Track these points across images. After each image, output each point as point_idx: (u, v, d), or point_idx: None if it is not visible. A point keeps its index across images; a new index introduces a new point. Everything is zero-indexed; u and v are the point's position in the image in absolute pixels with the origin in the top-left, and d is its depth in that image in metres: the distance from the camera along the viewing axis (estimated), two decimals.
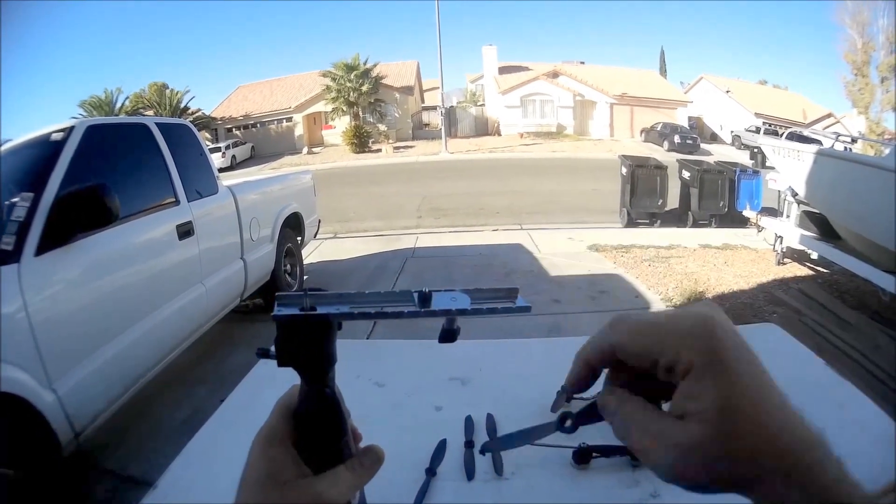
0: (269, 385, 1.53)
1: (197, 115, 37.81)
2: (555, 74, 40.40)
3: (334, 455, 0.58)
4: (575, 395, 1.47)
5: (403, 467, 1.20)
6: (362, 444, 0.64)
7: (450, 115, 36.78)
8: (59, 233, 2.97)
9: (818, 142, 8.38)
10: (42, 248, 2.86)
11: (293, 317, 0.55)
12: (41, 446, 2.69)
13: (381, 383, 1.56)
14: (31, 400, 2.58)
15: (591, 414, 0.55)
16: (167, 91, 37.64)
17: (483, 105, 43.89)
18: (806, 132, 10.55)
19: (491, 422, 1.37)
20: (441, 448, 1.28)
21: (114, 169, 3.87)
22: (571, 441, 1.23)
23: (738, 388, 0.41)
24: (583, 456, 1.21)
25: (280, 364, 0.56)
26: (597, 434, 1.29)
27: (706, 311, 0.45)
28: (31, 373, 2.63)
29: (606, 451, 1.23)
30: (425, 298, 0.57)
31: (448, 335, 0.61)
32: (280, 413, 0.59)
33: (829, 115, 37.55)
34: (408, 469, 1.20)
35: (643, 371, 0.46)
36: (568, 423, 0.57)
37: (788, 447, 0.40)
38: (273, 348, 0.56)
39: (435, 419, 1.41)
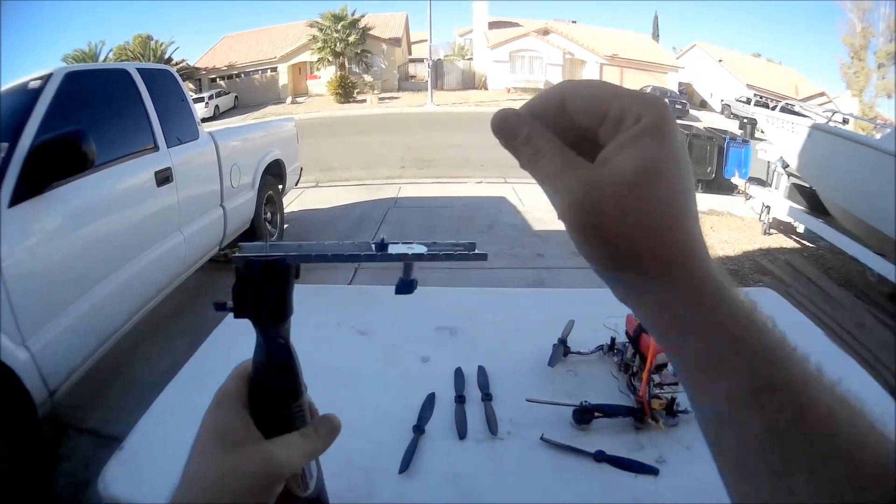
0: (236, 341, 1.43)
1: (181, 65, 37.04)
2: (545, 32, 40.04)
3: (287, 421, 0.56)
4: (572, 350, 1.38)
5: (389, 424, 1.11)
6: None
7: (437, 68, 36.50)
8: (34, 182, 2.84)
9: (808, 119, 8.34)
10: (16, 199, 2.73)
11: (251, 259, 0.54)
12: (14, 406, 2.58)
13: (365, 332, 1.46)
14: (3, 359, 2.47)
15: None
16: (151, 43, 36.86)
17: (471, 59, 43.36)
18: (797, 107, 10.51)
19: (483, 375, 1.27)
20: (429, 403, 1.19)
21: (93, 116, 3.73)
22: (572, 399, 1.15)
23: (670, 157, 0.38)
24: (584, 415, 1.12)
25: (237, 315, 0.56)
26: (595, 391, 1.22)
27: None
28: (3, 330, 2.51)
29: (609, 411, 1.15)
30: (382, 246, 0.58)
31: (405, 286, 0.61)
32: (236, 375, 0.58)
33: (821, 94, 37.31)
34: (393, 426, 1.11)
35: (586, 134, 0.42)
36: None
37: (689, 236, 0.39)
38: (230, 301, 0.56)
39: (422, 371, 1.32)
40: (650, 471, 1.03)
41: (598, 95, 0.41)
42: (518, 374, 1.29)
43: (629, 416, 1.15)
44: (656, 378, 1.16)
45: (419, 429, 1.11)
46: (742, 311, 0.38)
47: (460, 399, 1.20)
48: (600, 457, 1.04)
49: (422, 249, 0.58)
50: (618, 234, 0.38)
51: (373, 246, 0.57)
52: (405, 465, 1.02)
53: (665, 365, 1.18)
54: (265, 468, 0.51)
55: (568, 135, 0.42)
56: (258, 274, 0.54)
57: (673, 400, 1.16)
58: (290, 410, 0.57)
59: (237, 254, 0.55)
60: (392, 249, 0.57)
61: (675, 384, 1.17)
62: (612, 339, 1.36)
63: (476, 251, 0.59)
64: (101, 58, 34.70)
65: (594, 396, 1.17)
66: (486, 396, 1.21)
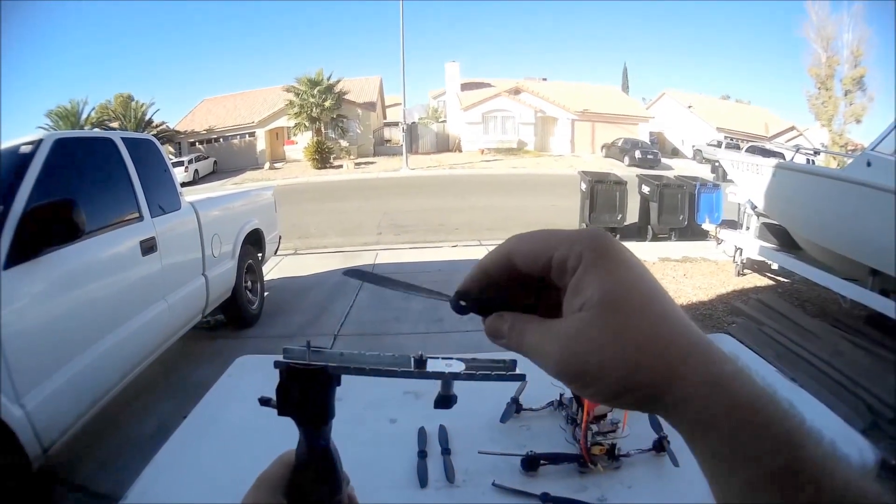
0: (230, 401, 1.58)
1: (161, 128, 37.25)
2: (517, 91, 40.66)
3: None
4: (524, 407, 1.53)
5: (364, 477, 1.24)
6: None
7: (411, 132, 36.71)
8: (28, 246, 2.95)
9: (780, 155, 8.53)
10: (10, 262, 2.84)
11: (296, 365, 0.57)
12: (10, 462, 2.66)
13: (339, 397, 1.60)
14: (1, 415, 2.56)
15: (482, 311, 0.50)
16: (132, 103, 37.08)
17: (445, 121, 43.81)
18: (767, 145, 10.76)
19: (443, 432, 1.42)
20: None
21: (80, 183, 3.87)
22: (521, 450, 1.29)
23: (623, 281, 0.41)
24: (531, 463, 1.26)
25: (280, 413, 0.58)
26: (545, 442, 1.36)
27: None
28: (1, 387, 2.60)
29: (554, 458, 1.29)
30: (421, 362, 0.58)
31: (443, 401, 0.59)
32: (279, 463, 0.62)
33: (791, 129, 38.12)
34: (368, 478, 1.25)
35: (536, 281, 0.46)
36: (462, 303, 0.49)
37: (680, 343, 0.40)
38: (274, 397, 0.58)
39: (390, 431, 1.46)
40: None
41: (537, 247, 0.45)
42: (474, 430, 1.44)
43: (573, 462, 1.29)
44: (594, 427, 1.31)
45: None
46: (763, 398, 0.38)
47: (422, 454, 1.34)
48: (545, 498, 1.18)
49: (460, 367, 0.58)
50: (608, 370, 0.40)
51: (412, 361, 0.58)
52: None
53: (604, 416, 1.32)
54: None
55: (529, 286, 0.47)
56: (302, 381, 0.57)
57: (613, 446, 1.31)
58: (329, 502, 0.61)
59: (281, 359, 0.57)
60: (430, 366, 0.57)
61: (615, 430, 1.32)
62: (560, 395, 1.51)
63: (516, 371, 0.59)
64: (84, 116, 34.86)
65: (544, 447, 1.31)
66: (445, 451, 1.35)
